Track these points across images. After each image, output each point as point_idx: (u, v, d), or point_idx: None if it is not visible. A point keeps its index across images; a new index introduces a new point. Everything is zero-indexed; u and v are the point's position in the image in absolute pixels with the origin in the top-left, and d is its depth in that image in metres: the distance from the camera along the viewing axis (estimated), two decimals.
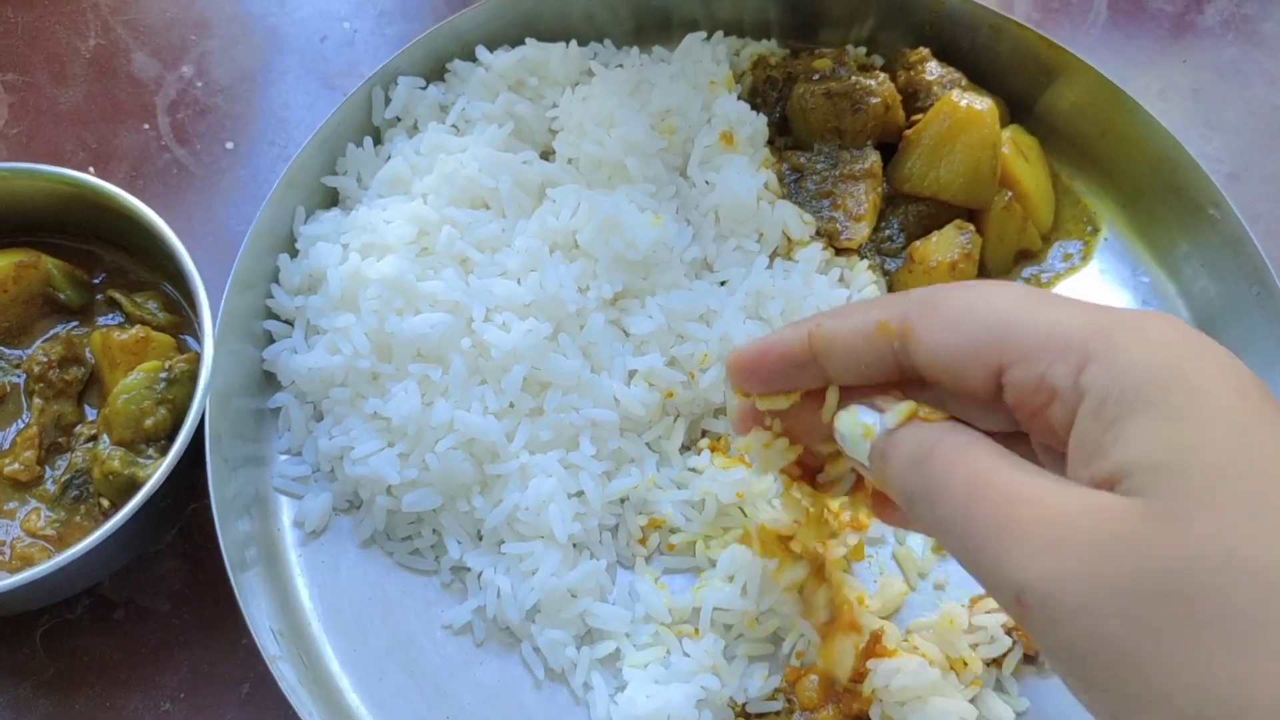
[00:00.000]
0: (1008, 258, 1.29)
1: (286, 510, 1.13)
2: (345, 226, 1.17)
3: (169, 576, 1.13)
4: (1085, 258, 1.31)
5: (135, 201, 1.10)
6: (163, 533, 1.14)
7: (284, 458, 1.15)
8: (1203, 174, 1.21)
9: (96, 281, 1.17)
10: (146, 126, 1.39)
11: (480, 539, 1.11)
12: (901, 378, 0.71)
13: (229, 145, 1.38)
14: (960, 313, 0.65)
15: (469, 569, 1.10)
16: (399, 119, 1.26)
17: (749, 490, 1.09)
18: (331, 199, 1.24)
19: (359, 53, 1.45)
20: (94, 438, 1.08)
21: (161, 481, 0.99)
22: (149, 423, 1.06)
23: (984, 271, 1.28)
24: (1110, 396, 0.57)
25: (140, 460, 1.05)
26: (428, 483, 1.09)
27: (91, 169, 1.29)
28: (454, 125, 1.23)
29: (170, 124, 1.39)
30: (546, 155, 1.24)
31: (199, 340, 1.08)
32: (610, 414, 1.11)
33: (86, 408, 1.12)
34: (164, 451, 1.03)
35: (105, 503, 1.06)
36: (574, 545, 1.10)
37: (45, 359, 1.10)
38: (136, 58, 1.43)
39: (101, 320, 1.15)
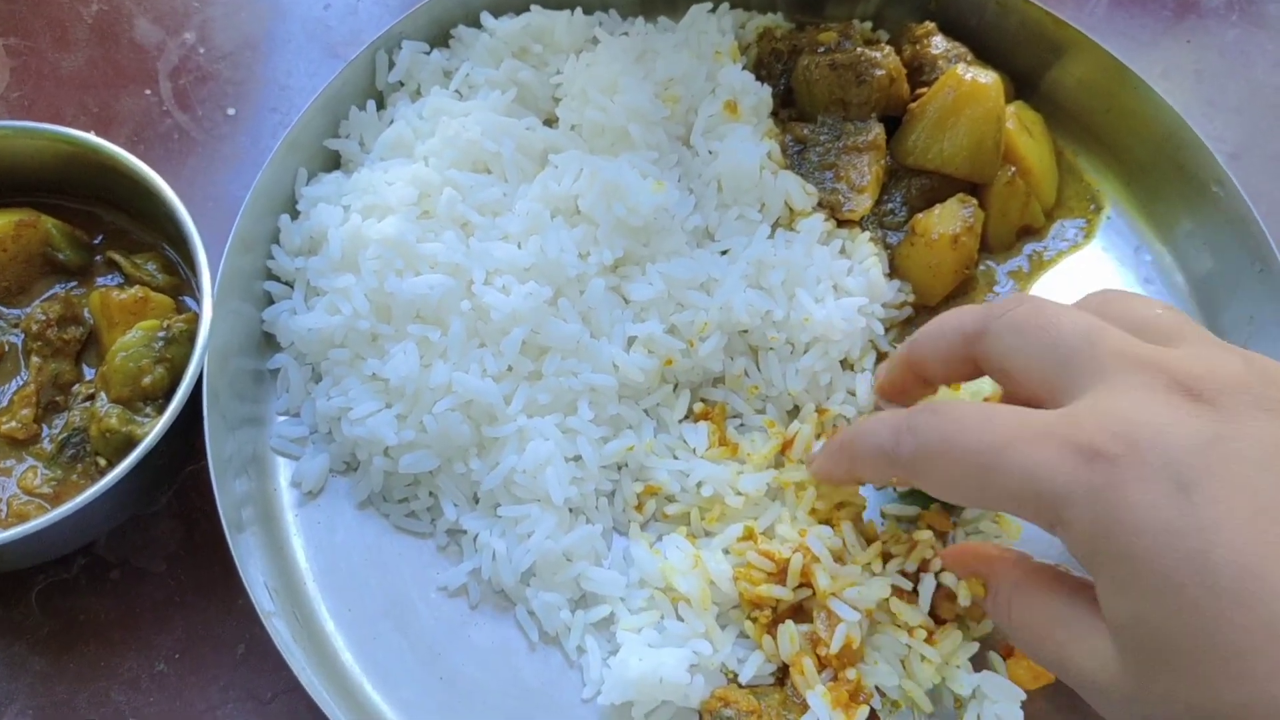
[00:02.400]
0: (1010, 233, 1.29)
1: (284, 471, 1.13)
2: (347, 188, 1.17)
3: (165, 538, 1.13)
4: (1088, 235, 1.31)
5: (136, 161, 1.10)
6: (159, 493, 1.14)
7: (282, 418, 1.15)
8: (1207, 152, 1.21)
9: (96, 242, 1.17)
10: (148, 92, 1.39)
11: (477, 501, 1.11)
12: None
13: (230, 112, 1.38)
14: (945, 487, 0.87)
15: (465, 531, 1.10)
16: (402, 83, 1.26)
17: (739, 486, 1.11)
18: (334, 162, 1.24)
19: (362, 21, 1.45)
20: (91, 397, 1.09)
21: (158, 439, 0.99)
22: (147, 381, 1.06)
23: (986, 247, 1.28)
24: (1080, 556, 0.78)
25: (137, 418, 1.05)
26: (425, 444, 1.09)
27: (93, 133, 1.29)
28: (457, 90, 1.23)
29: (172, 90, 1.39)
30: (550, 122, 1.24)
31: (198, 302, 1.08)
32: (609, 379, 1.10)
33: (85, 367, 1.12)
34: (161, 410, 1.03)
35: (102, 461, 1.06)
36: (570, 510, 1.10)
37: (44, 318, 1.10)
38: (139, 23, 1.43)
39: (100, 281, 1.15)
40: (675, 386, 1.17)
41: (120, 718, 1.06)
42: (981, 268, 1.28)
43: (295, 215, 1.19)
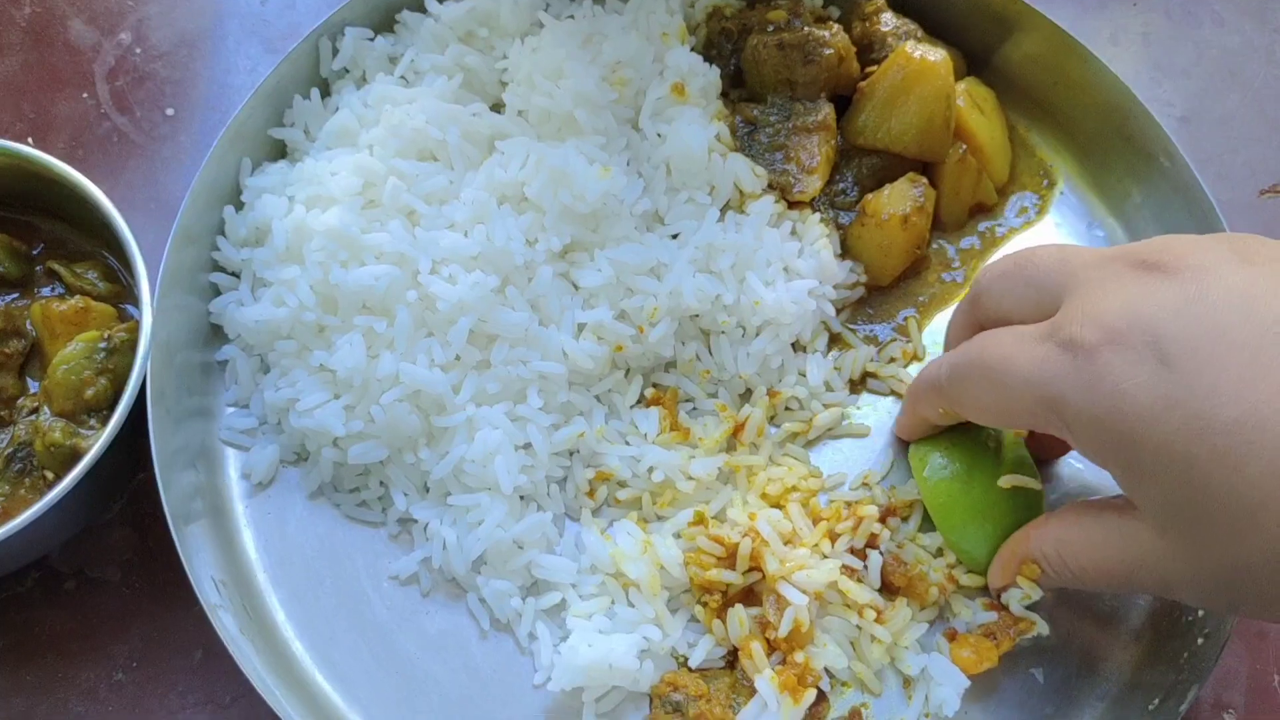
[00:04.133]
0: (962, 211, 1.28)
1: (234, 462, 1.13)
2: (291, 178, 1.16)
3: (118, 546, 1.13)
4: (1041, 211, 1.30)
5: (69, 170, 1.08)
6: (110, 503, 1.13)
7: (231, 410, 1.15)
8: (1153, 122, 1.21)
9: (35, 252, 1.15)
10: (85, 95, 1.36)
11: (427, 491, 1.11)
12: None
13: (169, 112, 1.36)
14: (977, 412, 0.96)
15: (416, 520, 1.10)
16: (347, 70, 1.25)
17: (691, 470, 1.11)
18: (279, 152, 1.23)
19: (301, 15, 1.42)
20: (36, 410, 1.07)
21: (103, 451, 0.98)
22: (89, 393, 1.04)
23: (939, 225, 1.28)
24: (1092, 456, 0.85)
25: (82, 431, 1.04)
26: (374, 435, 1.09)
27: (30, 139, 1.26)
28: (403, 77, 1.22)
29: (109, 92, 1.36)
30: (497, 108, 1.23)
31: (139, 309, 1.07)
32: (558, 367, 1.10)
33: (29, 380, 1.10)
34: (105, 421, 1.02)
35: (49, 475, 1.05)
36: (521, 497, 1.10)
37: None
38: (73, 25, 1.40)
39: (42, 291, 1.13)
40: (627, 372, 1.17)
41: None
42: (934, 246, 1.28)
43: (240, 207, 1.18)
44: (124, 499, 1.14)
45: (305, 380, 1.10)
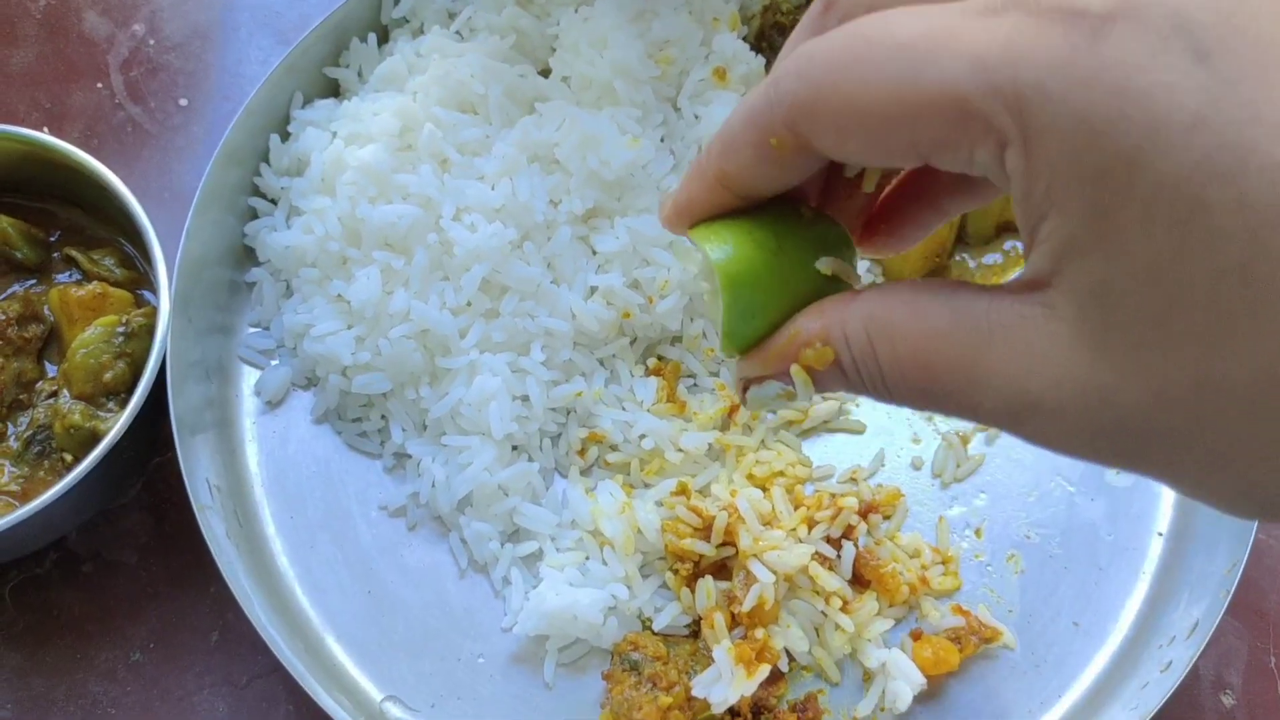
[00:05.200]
0: (989, 227, 1.29)
1: (248, 379, 1.18)
2: (337, 115, 1.21)
3: (136, 529, 1.15)
4: None
5: (87, 157, 1.11)
6: (127, 485, 1.16)
7: (253, 330, 1.20)
8: None
9: (53, 239, 1.18)
10: (100, 85, 1.39)
11: (424, 428, 1.15)
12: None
13: (183, 102, 1.38)
14: (848, 117, 0.53)
15: (410, 455, 1.14)
16: (406, 20, 1.29)
17: (681, 442, 1.13)
18: (332, 90, 1.28)
19: (312, 6, 1.43)
20: (55, 393, 1.10)
21: (122, 433, 1.01)
22: (108, 376, 1.07)
23: (963, 238, 1.28)
24: (1034, 190, 0.50)
25: (100, 413, 1.07)
26: (379, 367, 1.12)
27: (46, 129, 1.27)
28: (458, 32, 1.26)
29: (123, 82, 1.39)
30: (545, 73, 1.27)
31: (156, 295, 1.10)
32: (564, 325, 1.13)
33: (47, 364, 1.13)
34: (124, 404, 1.05)
35: (68, 457, 1.08)
36: (513, 446, 1.13)
37: (4, 316, 1.11)
38: (88, 16, 1.43)
39: (59, 278, 1.16)
40: (633, 341, 1.19)
41: (98, 708, 1.08)
42: (956, 258, 1.28)
43: (285, 137, 1.23)
44: (140, 483, 1.16)
45: (323, 308, 1.14)
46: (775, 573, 1.05)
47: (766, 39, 1.33)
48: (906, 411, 1.21)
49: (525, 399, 1.13)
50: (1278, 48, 0.47)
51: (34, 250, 1.16)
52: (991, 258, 1.29)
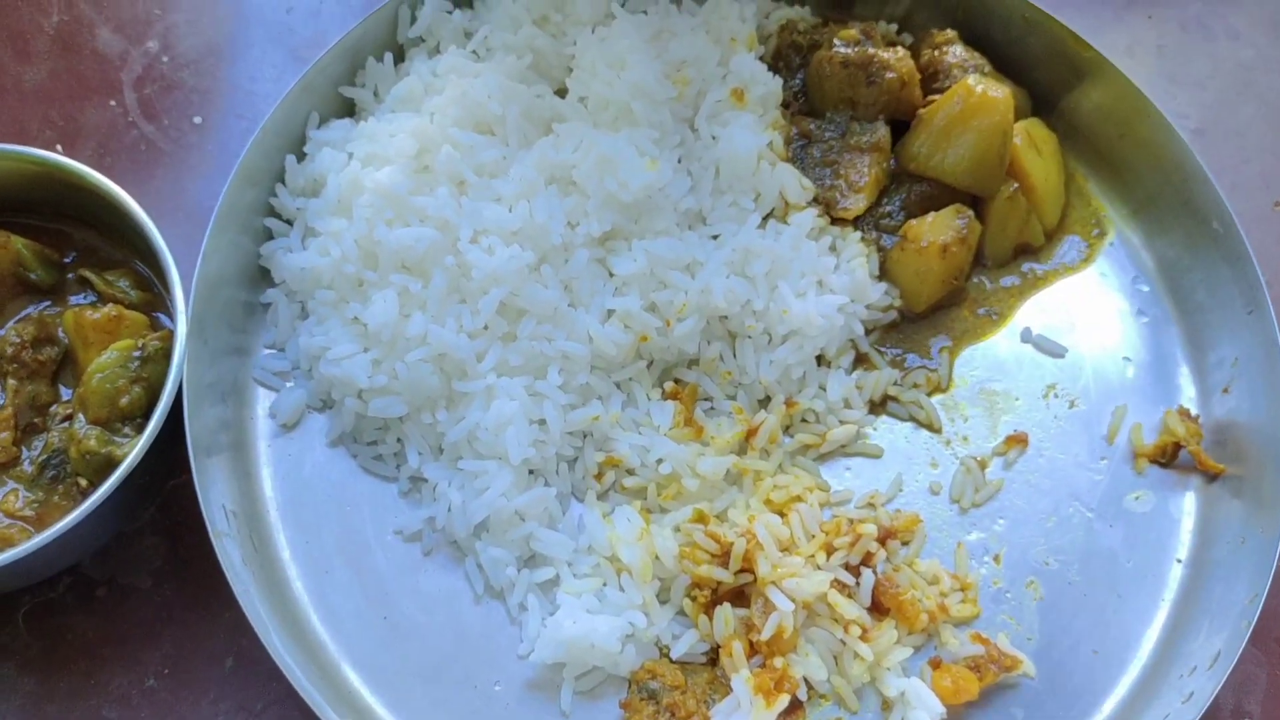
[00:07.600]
0: (1007, 249, 1.28)
1: (263, 402, 1.17)
2: (353, 136, 1.20)
3: (150, 554, 1.14)
4: (1087, 259, 1.30)
5: (102, 179, 1.09)
6: (142, 510, 1.14)
7: (268, 351, 1.19)
8: (1212, 187, 1.20)
9: (67, 261, 1.16)
10: (113, 103, 1.37)
11: (440, 452, 1.14)
12: None
13: (196, 120, 1.36)
14: None
15: (426, 480, 1.13)
16: (422, 39, 1.28)
17: (699, 467, 1.12)
18: (347, 110, 1.27)
19: (325, 22, 1.42)
20: (69, 417, 1.08)
21: (139, 459, 0.99)
22: (124, 401, 1.06)
23: (981, 260, 1.28)
24: None
25: (116, 439, 1.05)
26: (395, 391, 1.12)
27: (59, 147, 1.25)
28: (474, 51, 1.25)
29: (137, 100, 1.37)
30: (561, 93, 1.26)
31: (171, 317, 1.08)
32: (582, 349, 1.13)
33: (61, 387, 1.12)
34: (140, 429, 1.03)
35: (83, 482, 1.06)
36: (530, 471, 1.12)
37: (18, 340, 1.10)
38: (101, 33, 1.41)
39: (73, 299, 1.14)
40: (650, 364, 1.19)
41: None
42: (974, 280, 1.28)
43: (301, 157, 1.22)
44: (154, 507, 1.15)
45: (339, 330, 1.14)
46: (794, 600, 1.04)
47: (783, 58, 1.32)
48: (924, 435, 1.21)
49: (542, 423, 1.12)
50: None
51: (48, 272, 1.14)
52: (1009, 280, 1.29)
